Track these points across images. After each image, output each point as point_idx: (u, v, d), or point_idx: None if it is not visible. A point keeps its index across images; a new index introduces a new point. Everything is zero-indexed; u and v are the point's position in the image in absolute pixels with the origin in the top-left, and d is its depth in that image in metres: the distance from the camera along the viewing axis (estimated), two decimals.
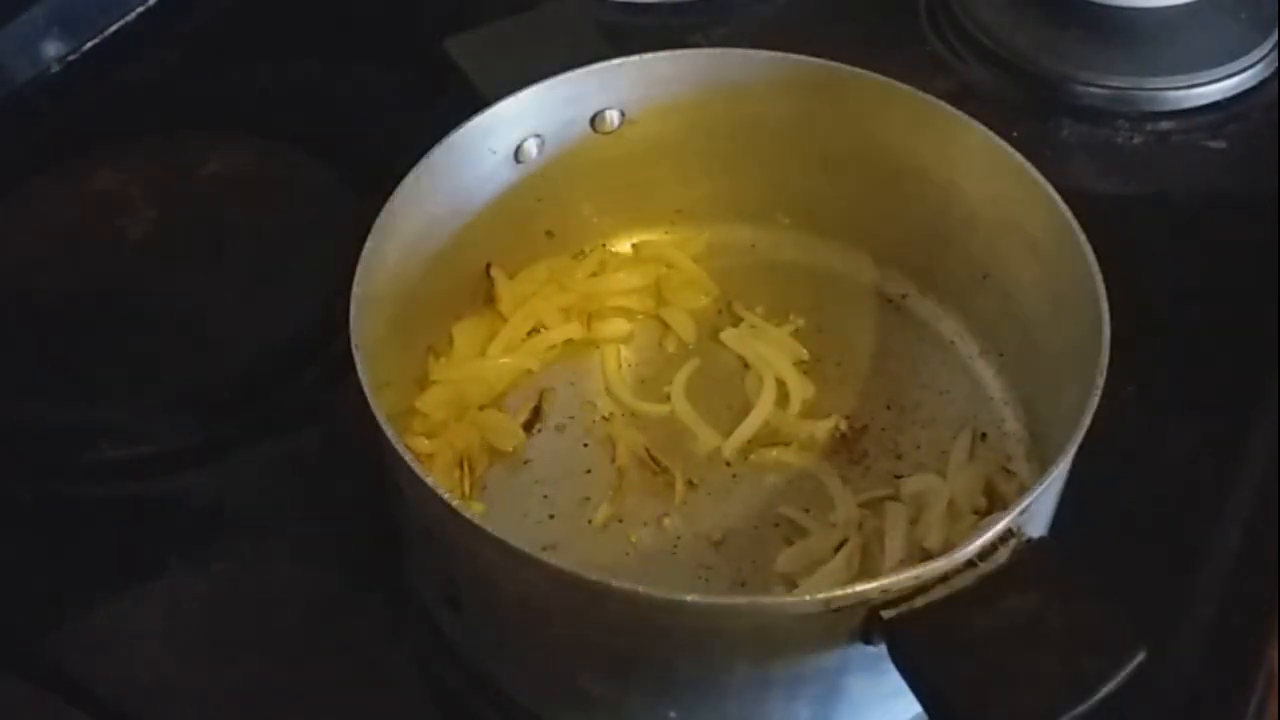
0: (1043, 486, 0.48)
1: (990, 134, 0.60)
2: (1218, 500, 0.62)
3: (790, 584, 0.56)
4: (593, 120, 0.65)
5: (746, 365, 0.66)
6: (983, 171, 0.61)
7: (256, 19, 0.79)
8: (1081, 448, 0.49)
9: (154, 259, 0.69)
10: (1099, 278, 0.53)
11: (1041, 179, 0.58)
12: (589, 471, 0.62)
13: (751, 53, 0.65)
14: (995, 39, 0.83)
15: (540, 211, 0.67)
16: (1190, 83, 0.79)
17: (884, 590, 0.44)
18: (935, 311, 0.67)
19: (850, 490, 0.59)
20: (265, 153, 0.74)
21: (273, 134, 0.75)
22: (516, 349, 0.65)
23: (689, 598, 0.45)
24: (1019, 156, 0.59)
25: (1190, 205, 0.77)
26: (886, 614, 0.44)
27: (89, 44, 0.70)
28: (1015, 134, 0.61)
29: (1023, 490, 0.52)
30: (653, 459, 0.61)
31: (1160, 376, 0.66)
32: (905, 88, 0.62)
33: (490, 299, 0.66)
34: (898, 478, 0.60)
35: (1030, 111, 0.81)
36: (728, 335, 0.67)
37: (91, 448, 0.63)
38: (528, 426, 0.63)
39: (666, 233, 0.70)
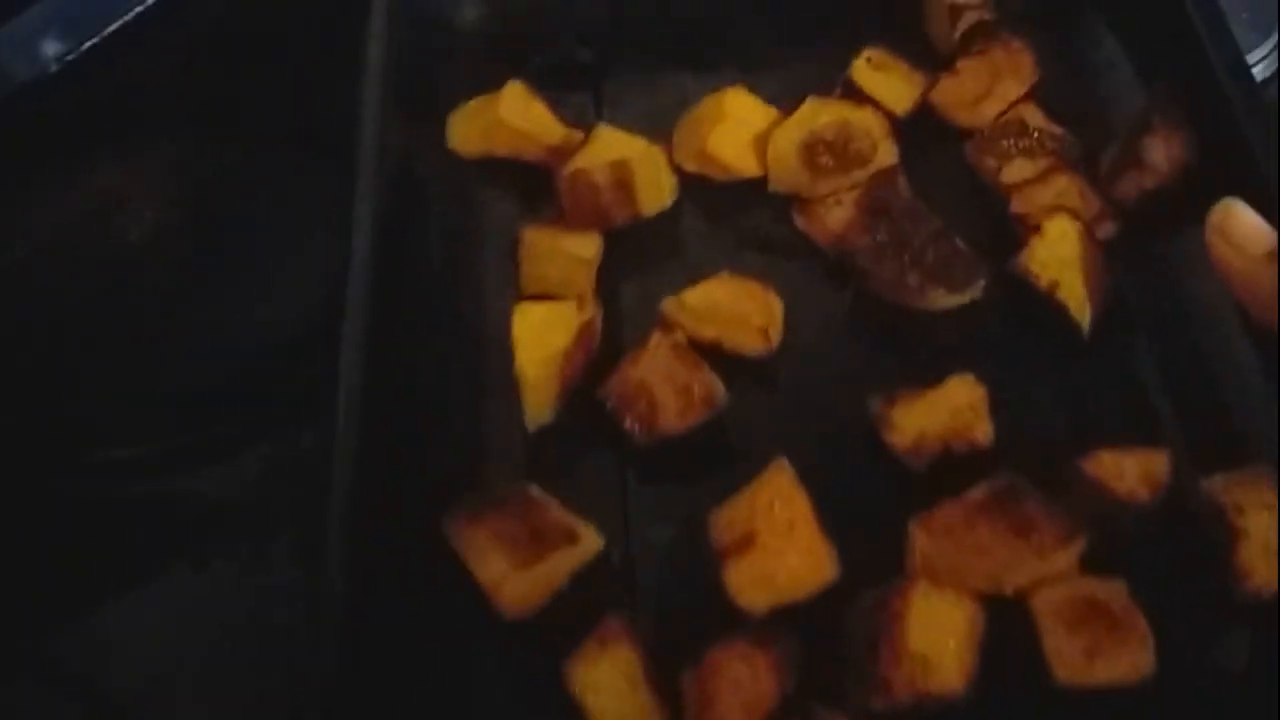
0: None
1: None
2: None
3: None
4: None
5: None
6: None
7: (256, 18, 0.79)
8: None
9: (153, 259, 0.69)
10: None
11: None
12: None
13: None
14: None
15: None
16: None
17: None
18: None
19: None
20: (264, 152, 0.74)
21: (272, 134, 0.75)
22: None
23: None
24: None
25: None
26: None
27: (88, 44, 0.70)
28: None
29: None
30: None
31: None
32: None
33: None
34: None
35: None
36: None
37: (91, 448, 0.63)
38: None
39: None
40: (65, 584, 0.59)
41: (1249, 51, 0.80)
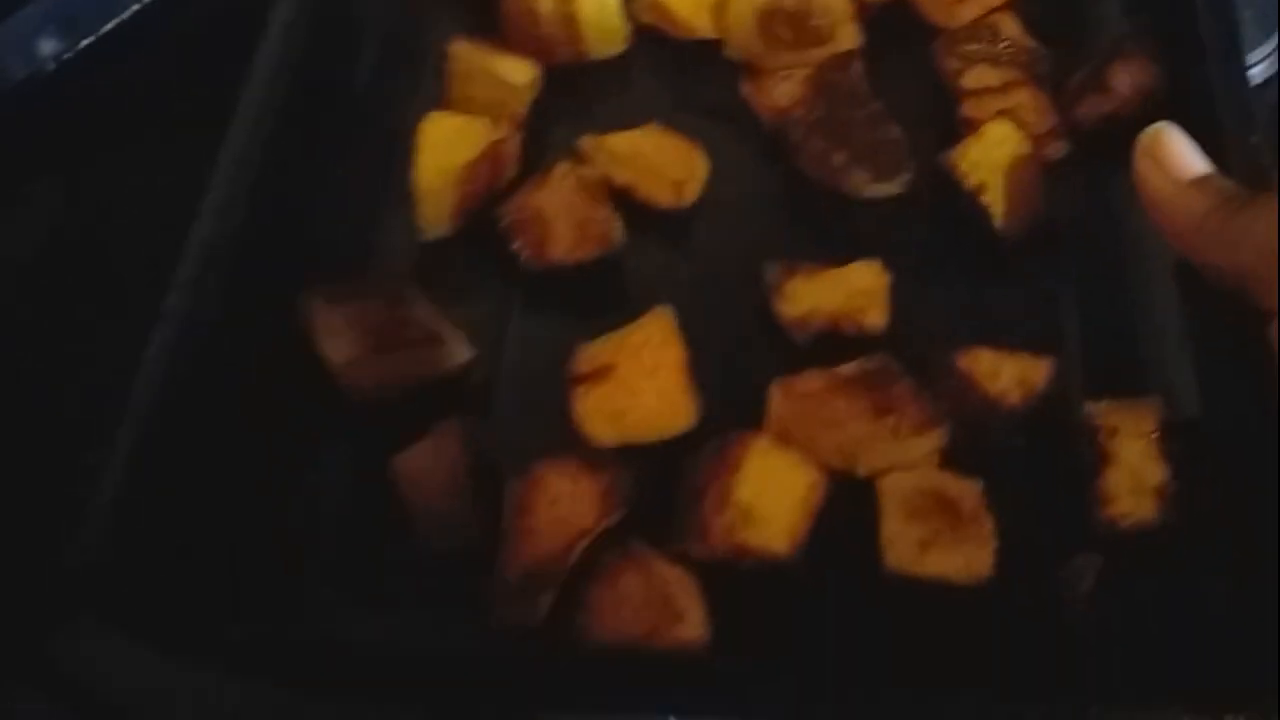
0: None
1: None
2: None
3: None
4: None
5: None
6: None
7: (255, 17, 0.71)
8: None
9: (153, 259, 0.64)
10: None
11: None
12: None
13: None
14: None
15: None
16: None
17: None
18: None
19: None
20: None
21: None
22: None
23: None
24: None
25: None
26: None
27: (85, 42, 0.67)
28: None
29: None
30: None
31: None
32: None
33: None
34: None
35: None
36: None
37: (91, 447, 0.59)
38: None
39: None
40: (63, 585, 0.56)
41: (1249, 51, 0.78)
